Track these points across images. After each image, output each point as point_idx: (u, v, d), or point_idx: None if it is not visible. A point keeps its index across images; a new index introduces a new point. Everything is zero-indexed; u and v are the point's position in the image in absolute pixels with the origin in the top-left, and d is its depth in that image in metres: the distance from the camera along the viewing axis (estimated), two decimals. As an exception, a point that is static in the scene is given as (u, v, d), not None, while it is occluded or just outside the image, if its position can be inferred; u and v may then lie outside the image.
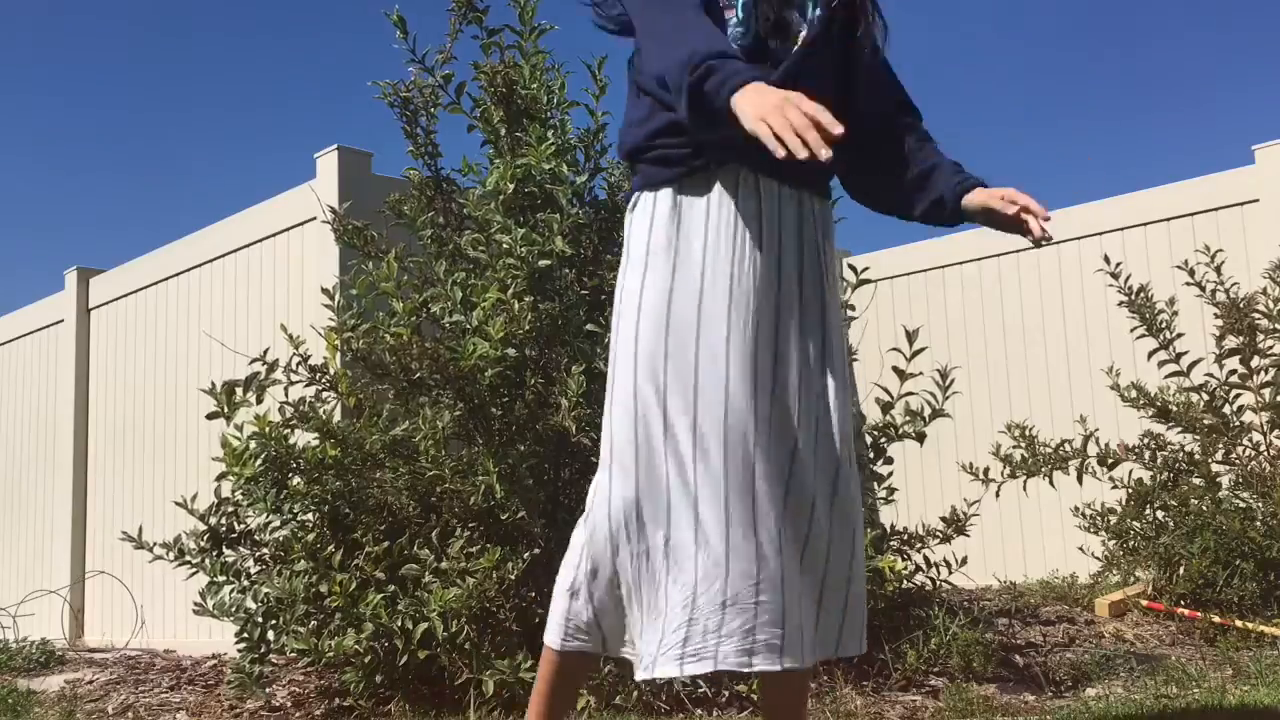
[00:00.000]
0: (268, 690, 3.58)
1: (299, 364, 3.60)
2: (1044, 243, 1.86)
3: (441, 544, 3.36)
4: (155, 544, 3.61)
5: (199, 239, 6.08)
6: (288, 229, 5.37)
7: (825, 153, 1.56)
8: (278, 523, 3.55)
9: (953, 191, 1.93)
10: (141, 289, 6.48)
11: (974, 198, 1.91)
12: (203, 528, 3.59)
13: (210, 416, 3.54)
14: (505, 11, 3.83)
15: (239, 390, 3.52)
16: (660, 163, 1.88)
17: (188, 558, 3.57)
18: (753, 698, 3.21)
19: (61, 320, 7.08)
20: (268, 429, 3.46)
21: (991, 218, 1.90)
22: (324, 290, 3.69)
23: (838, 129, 1.57)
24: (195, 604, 3.54)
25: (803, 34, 1.89)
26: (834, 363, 1.89)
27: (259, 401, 3.54)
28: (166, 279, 6.27)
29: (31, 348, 7.56)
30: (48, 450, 7.20)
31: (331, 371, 3.62)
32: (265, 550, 3.59)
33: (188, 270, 6.11)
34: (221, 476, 3.53)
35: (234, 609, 3.48)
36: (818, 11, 1.90)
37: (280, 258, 5.44)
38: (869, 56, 1.99)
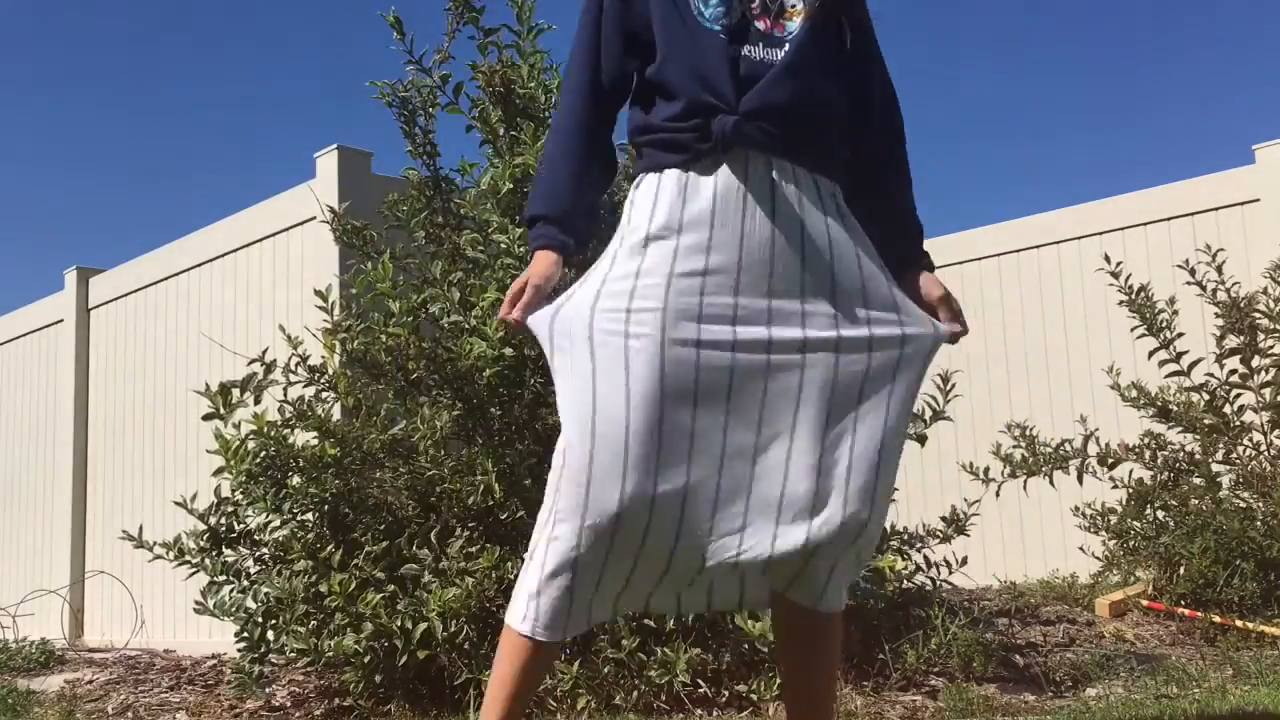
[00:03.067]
0: (268, 690, 3.58)
1: (297, 364, 3.60)
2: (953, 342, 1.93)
3: (441, 544, 3.36)
4: (155, 544, 3.61)
5: (198, 239, 6.08)
6: (287, 229, 5.38)
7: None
8: (277, 522, 3.55)
9: (917, 265, 1.97)
10: (141, 289, 6.49)
11: (929, 283, 1.96)
12: (202, 527, 3.59)
13: (206, 418, 3.54)
14: (503, 11, 3.83)
15: (235, 391, 3.52)
16: (667, 147, 1.88)
17: (188, 558, 3.57)
18: (752, 697, 3.21)
19: (61, 320, 7.09)
20: (266, 428, 3.46)
21: (926, 307, 1.94)
22: (318, 292, 3.69)
23: (509, 317, 1.89)
24: (196, 603, 3.54)
25: (800, 13, 1.88)
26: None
27: (257, 402, 3.54)
28: (166, 279, 6.28)
29: (31, 347, 7.56)
30: (47, 450, 7.20)
31: (330, 372, 3.62)
32: (265, 550, 3.59)
33: (187, 270, 6.11)
34: (218, 472, 3.52)
35: (234, 609, 3.48)
36: None
37: (280, 257, 5.44)
38: (861, 60, 1.98)
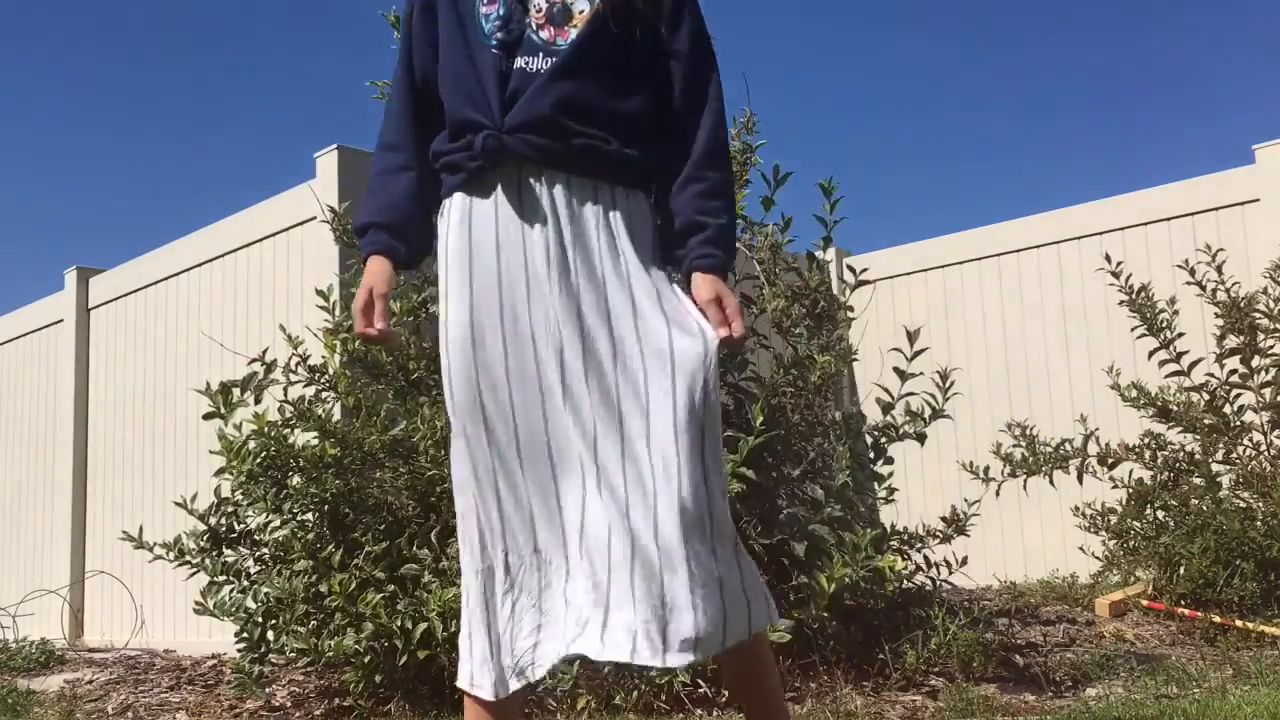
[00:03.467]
0: (268, 690, 3.58)
1: (298, 363, 3.60)
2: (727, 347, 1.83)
3: (441, 543, 3.36)
4: (156, 544, 3.61)
5: (198, 239, 6.08)
6: (287, 229, 5.38)
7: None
8: (277, 522, 3.54)
9: (689, 265, 1.87)
10: (141, 289, 6.49)
11: (699, 285, 1.85)
12: (202, 528, 3.59)
13: (206, 417, 3.54)
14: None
15: (235, 391, 3.52)
16: (449, 170, 1.89)
17: (188, 558, 3.57)
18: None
19: (61, 320, 7.08)
20: (267, 428, 3.45)
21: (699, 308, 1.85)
22: (319, 292, 3.69)
23: (369, 331, 1.87)
24: (196, 603, 3.54)
25: (583, 18, 1.83)
26: (627, 357, 1.77)
27: (257, 401, 3.54)
28: (166, 279, 6.28)
29: (31, 347, 7.56)
30: (47, 450, 7.20)
31: (330, 371, 3.61)
32: (264, 550, 3.59)
33: (187, 270, 6.11)
34: (220, 472, 3.52)
35: (234, 609, 3.47)
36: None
37: (280, 257, 5.44)
38: (672, 54, 1.89)
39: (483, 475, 1.79)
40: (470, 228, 1.83)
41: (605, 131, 1.82)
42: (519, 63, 1.82)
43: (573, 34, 1.82)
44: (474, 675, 1.79)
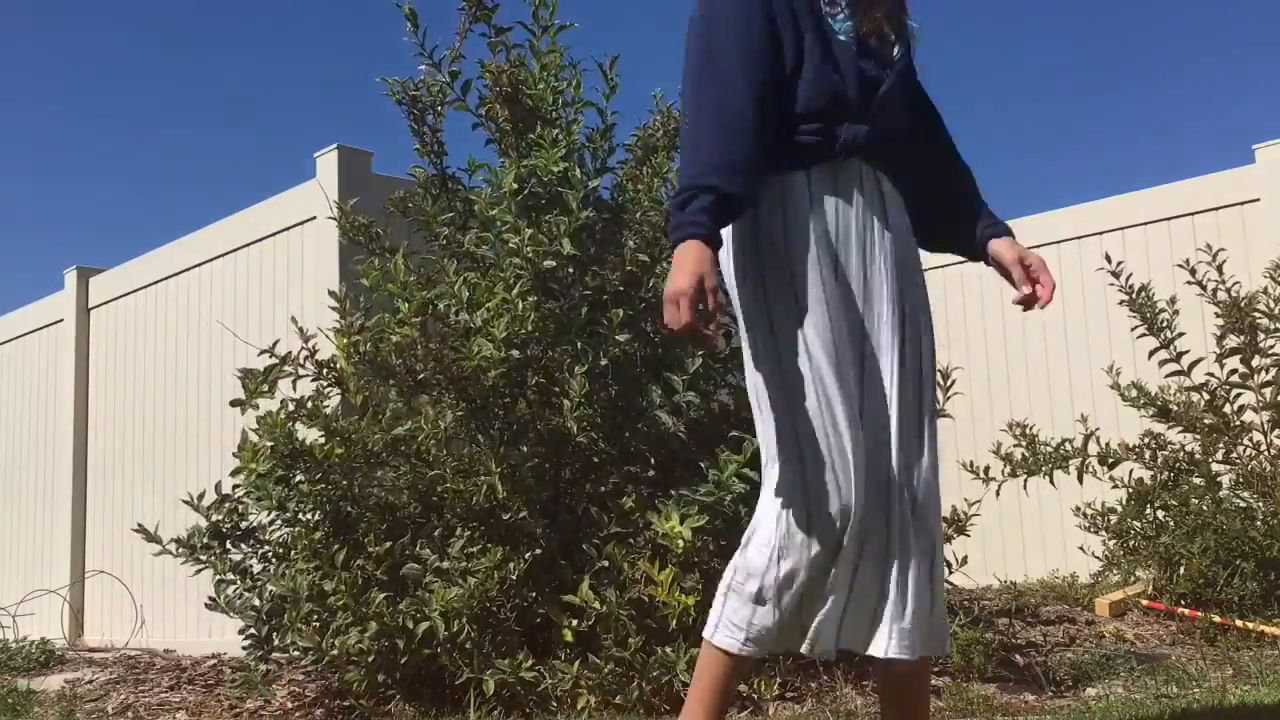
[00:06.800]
0: (261, 690, 3.58)
1: (306, 358, 3.60)
2: (1028, 308, 2.10)
3: (443, 543, 3.36)
4: (171, 540, 3.60)
5: (198, 239, 6.08)
6: (287, 228, 5.38)
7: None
8: (281, 521, 3.54)
9: (982, 235, 2.11)
10: (141, 288, 6.49)
11: (999, 248, 2.10)
12: (205, 524, 3.59)
13: (234, 403, 3.54)
14: (516, 8, 3.82)
15: (258, 380, 3.52)
16: (796, 154, 1.91)
17: (198, 554, 3.56)
18: (753, 698, 3.21)
19: (61, 320, 7.08)
20: (279, 426, 3.45)
21: (1003, 272, 2.11)
22: (332, 293, 3.70)
23: (691, 325, 1.72)
24: (210, 598, 3.54)
25: (895, 49, 1.98)
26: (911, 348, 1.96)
27: (270, 393, 3.55)
28: (165, 278, 6.28)
29: (31, 347, 7.56)
30: (47, 449, 7.20)
31: (338, 367, 3.61)
32: (269, 548, 3.59)
33: (187, 270, 6.11)
34: (236, 472, 3.52)
35: (245, 607, 3.48)
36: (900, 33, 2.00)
37: (280, 257, 5.44)
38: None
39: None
40: (824, 211, 1.90)
41: (913, 139, 2.02)
42: (867, 66, 1.93)
43: (897, 49, 1.97)
44: None
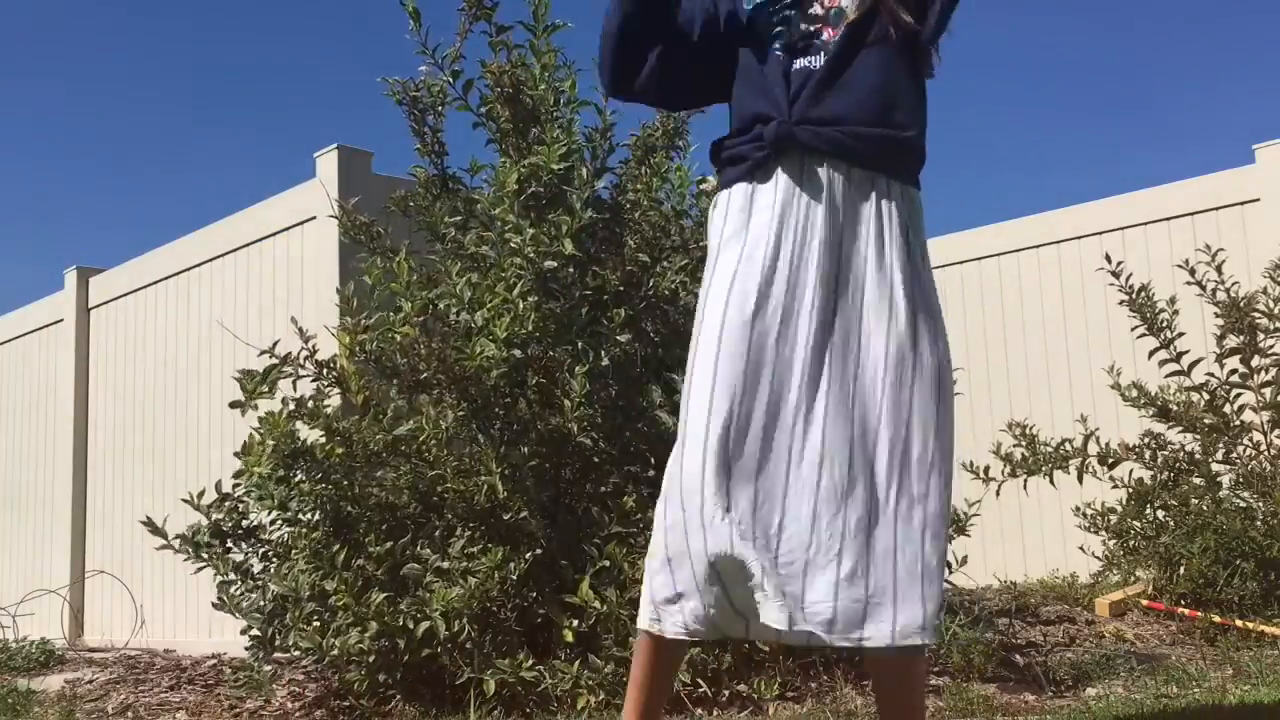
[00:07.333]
0: (267, 690, 3.58)
1: (306, 358, 3.59)
2: None
3: (444, 543, 3.36)
4: (177, 536, 3.60)
5: (198, 238, 6.09)
6: (287, 228, 5.38)
7: None
8: (283, 520, 3.54)
9: None
10: (140, 288, 6.49)
11: None
12: (206, 523, 3.59)
13: (234, 405, 3.53)
14: (516, 8, 3.82)
15: (256, 380, 3.52)
16: (732, 162, 1.96)
17: (203, 553, 3.56)
18: (753, 697, 3.21)
19: (61, 320, 7.08)
20: (277, 425, 3.45)
21: None
22: (338, 290, 3.70)
23: None
24: (216, 600, 3.54)
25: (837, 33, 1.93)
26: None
27: (271, 393, 3.54)
28: (165, 278, 6.28)
29: (31, 347, 7.56)
30: (47, 449, 7.20)
31: (339, 367, 3.61)
32: (268, 548, 3.59)
33: (187, 270, 6.11)
34: (241, 473, 3.52)
35: (250, 607, 3.48)
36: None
37: (280, 257, 5.44)
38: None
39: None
40: (750, 215, 1.90)
41: (883, 125, 1.91)
42: (803, 63, 1.92)
43: (841, 33, 1.91)
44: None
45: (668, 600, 1.85)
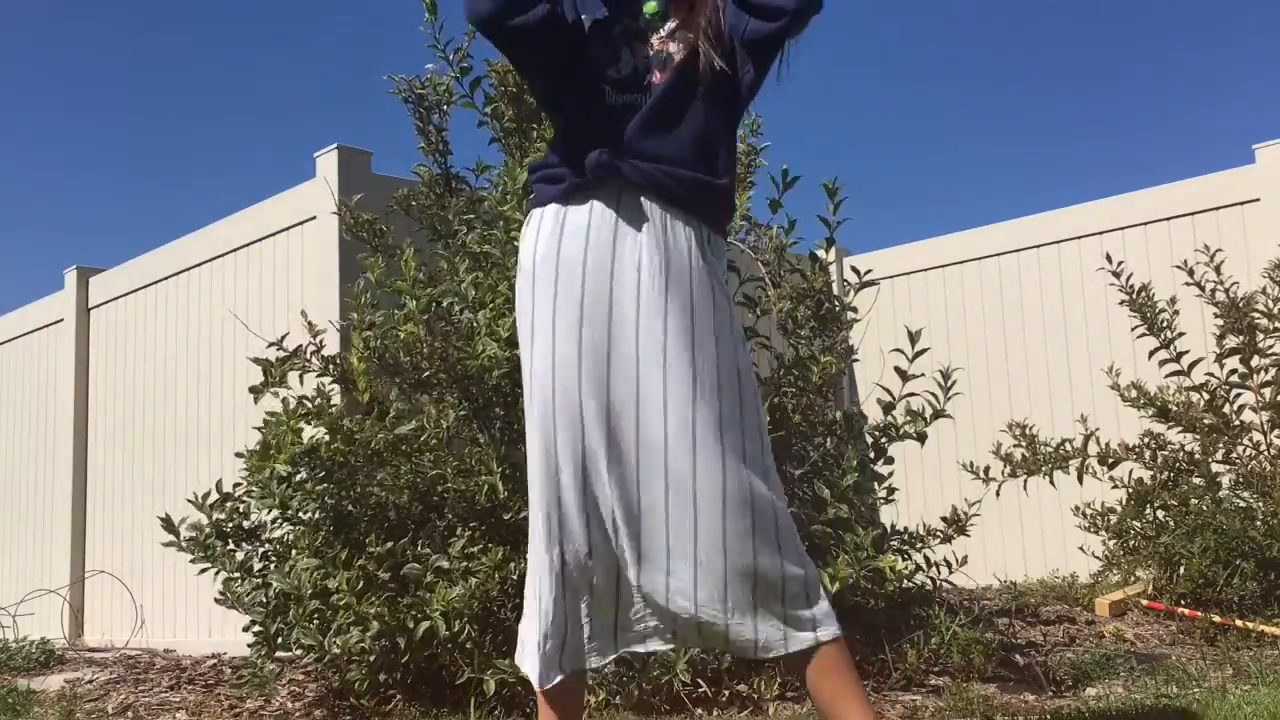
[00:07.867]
0: (270, 688, 3.58)
1: (313, 352, 3.59)
2: None
3: (444, 543, 3.36)
4: (184, 527, 3.59)
5: (198, 238, 6.08)
6: (288, 228, 5.37)
7: None
8: (285, 519, 3.54)
9: None
10: (140, 288, 6.49)
11: None
12: (208, 523, 3.59)
13: (252, 390, 3.54)
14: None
15: (277, 370, 3.52)
16: (548, 181, 1.99)
17: (208, 552, 3.56)
18: (754, 697, 3.21)
19: (61, 320, 7.08)
20: (286, 423, 3.45)
21: None
22: (347, 287, 3.70)
23: None
24: (219, 593, 3.53)
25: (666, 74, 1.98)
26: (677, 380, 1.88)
27: (283, 383, 3.55)
28: (165, 278, 6.28)
29: (31, 347, 7.55)
30: (47, 449, 7.20)
31: (345, 365, 3.61)
32: (269, 547, 3.59)
33: (187, 270, 6.11)
34: (254, 470, 3.51)
35: (254, 603, 3.48)
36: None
37: (280, 256, 5.44)
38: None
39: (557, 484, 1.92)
40: (561, 240, 1.93)
41: (696, 169, 1.95)
42: (629, 98, 1.96)
43: (668, 76, 1.96)
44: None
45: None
